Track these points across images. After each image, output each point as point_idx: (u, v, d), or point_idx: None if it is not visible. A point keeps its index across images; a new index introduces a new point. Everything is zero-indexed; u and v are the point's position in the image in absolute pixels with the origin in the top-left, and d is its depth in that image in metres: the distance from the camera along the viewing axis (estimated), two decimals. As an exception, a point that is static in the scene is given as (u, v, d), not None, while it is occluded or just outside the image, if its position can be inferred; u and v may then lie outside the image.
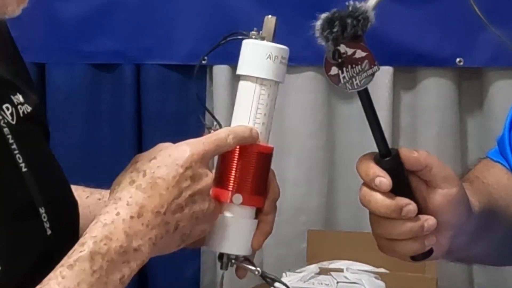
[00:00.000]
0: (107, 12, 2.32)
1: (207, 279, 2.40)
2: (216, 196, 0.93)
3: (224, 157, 0.94)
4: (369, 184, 0.92)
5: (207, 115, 1.05)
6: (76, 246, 0.85)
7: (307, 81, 2.29)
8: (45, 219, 0.92)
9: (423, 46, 2.23)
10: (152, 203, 0.86)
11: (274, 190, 0.96)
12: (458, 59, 2.23)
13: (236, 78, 2.29)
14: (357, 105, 2.30)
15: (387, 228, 0.93)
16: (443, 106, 2.27)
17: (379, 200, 0.92)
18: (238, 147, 0.93)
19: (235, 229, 0.94)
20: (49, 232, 0.92)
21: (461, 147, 2.31)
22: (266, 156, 0.94)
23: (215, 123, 0.98)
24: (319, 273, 1.97)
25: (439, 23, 2.22)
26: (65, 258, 0.84)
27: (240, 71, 0.95)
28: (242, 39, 0.95)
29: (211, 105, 2.26)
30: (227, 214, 0.94)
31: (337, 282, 1.93)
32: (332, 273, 1.97)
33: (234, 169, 0.93)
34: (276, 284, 0.98)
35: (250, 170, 0.93)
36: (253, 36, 0.95)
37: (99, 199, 1.13)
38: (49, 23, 2.33)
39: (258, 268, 0.96)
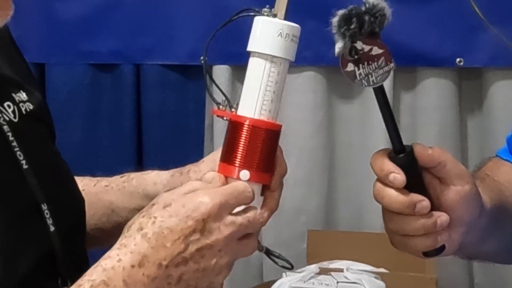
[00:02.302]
0: (107, 12, 2.32)
1: (207, 279, 2.40)
2: (223, 172, 0.92)
3: (232, 132, 0.93)
4: (383, 180, 0.93)
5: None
6: (73, 286, 0.84)
7: (307, 81, 2.29)
8: (47, 216, 0.92)
9: (423, 46, 2.23)
10: (155, 255, 0.85)
11: (282, 166, 0.95)
12: (458, 59, 2.23)
13: (236, 78, 2.31)
14: (357, 105, 2.33)
15: (400, 224, 0.94)
16: (443, 106, 2.27)
17: (393, 196, 0.92)
18: (246, 123, 0.92)
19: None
20: (52, 228, 0.92)
21: (461, 147, 2.31)
22: (274, 133, 0.94)
23: (223, 98, 0.98)
24: (319, 273, 1.97)
25: (439, 23, 2.22)
26: None
27: (251, 47, 0.95)
28: (254, 15, 0.95)
29: (211, 105, 2.26)
30: None
31: (337, 282, 1.93)
32: (332, 273, 1.97)
33: (241, 145, 0.92)
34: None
35: (257, 146, 0.92)
36: (265, 13, 0.94)
37: (106, 186, 1.13)
38: (49, 23, 2.33)
39: (264, 245, 0.96)
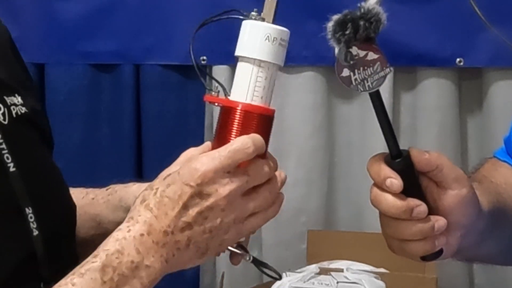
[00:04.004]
0: (107, 12, 2.32)
1: (207, 279, 2.40)
2: None
3: (223, 119, 0.93)
4: (380, 185, 0.92)
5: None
6: (89, 258, 0.86)
7: (307, 81, 2.29)
8: (31, 220, 0.93)
9: (423, 46, 2.23)
10: (159, 223, 0.88)
11: (273, 161, 0.95)
12: (458, 59, 2.23)
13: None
14: (357, 105, 2.33)
15: (397, 228, 0.93)
16: (443, 106, 2.27)
17: (390, 201, 0.92)
18: (239, 108, 0.92)
19: None
20: (35, 232, 0.92)
21: (461, 147, 2.31)
22: (267, 119, 0.94)
23: (216, 85, 0.97)
24: (319, 273, 1.97)
25: (439, 23, 2.22)
26: (77, 267, 0.86)
27: (238, 52, 0.94)
28: (243, 19, 0.94)
29: (210, 106, 2.26)
30: None
31: (337, 282, 1.93)
32: (332, 273, 1.97)
33: (234, 132, 0.92)
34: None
35: (249, 133, 0.92)
36: (253, 17, 0.93)
37: (93, 198, 1.14)
38: (48, 23, 2.33)
39: (250, 255, 0.96)
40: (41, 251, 0.92)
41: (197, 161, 0.89)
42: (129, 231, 0.88)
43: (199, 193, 0.88)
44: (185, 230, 0.88)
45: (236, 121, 0.92)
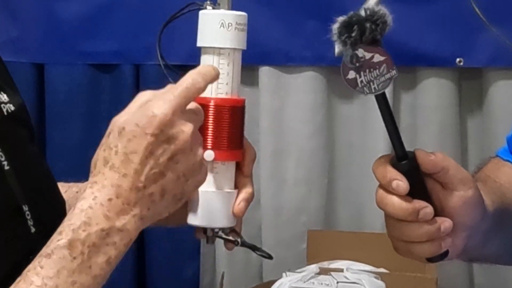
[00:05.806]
0: (107, 12, 2.32)
1: (207, 279, 2.40)
2: None
3: None
4: (386, 187, 0.92)
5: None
6: (54, 235, 0.83)
7: (307, 81, 2.29)
8: (28, 217, 0.92)
9: (423, 46, 2.23)
10: (128, 181, 0.84)
11: (251, 151, 0.96)
12: (458, 59, 2.23)
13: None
14: (357, 105, 2.33)
15: (403, 230, 0.93)
16: (443, 106, 2.27)
17: (396, 203, 0.91)
18: (212, 104, 0.92)
19: (215, 202, 0.93)
20: (33, 230, 0.92)
21: (461, 147, 2.31)
22: (239, 109, 0.94)
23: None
24: (319, 273, 1.97)
25: (439, 23, 2.22)
26: (44, 248, 0.83)
27: (198, 43, 0.95)
28: (199, 9, 0.95)
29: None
30: (206, 188, 0.92)
31: (337, 282, 1.93)
32: (332, 273, 1.97)
33: (208, 127, 0.91)
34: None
35: (224, 126, 0.92)
36: (207, 7, 0.94)
37: (77, 192, 1.12)
38: (48, 23, 2.33)
39: (240, 239, 0.96)
40: (39, 248, 0.92)
41: (152, 106, 0.87)
42: (94, 198, 0.84)
43: (165, 139, 0.85)
44: (158, 180, 0.84)
45: (208, 117, 0.92)
